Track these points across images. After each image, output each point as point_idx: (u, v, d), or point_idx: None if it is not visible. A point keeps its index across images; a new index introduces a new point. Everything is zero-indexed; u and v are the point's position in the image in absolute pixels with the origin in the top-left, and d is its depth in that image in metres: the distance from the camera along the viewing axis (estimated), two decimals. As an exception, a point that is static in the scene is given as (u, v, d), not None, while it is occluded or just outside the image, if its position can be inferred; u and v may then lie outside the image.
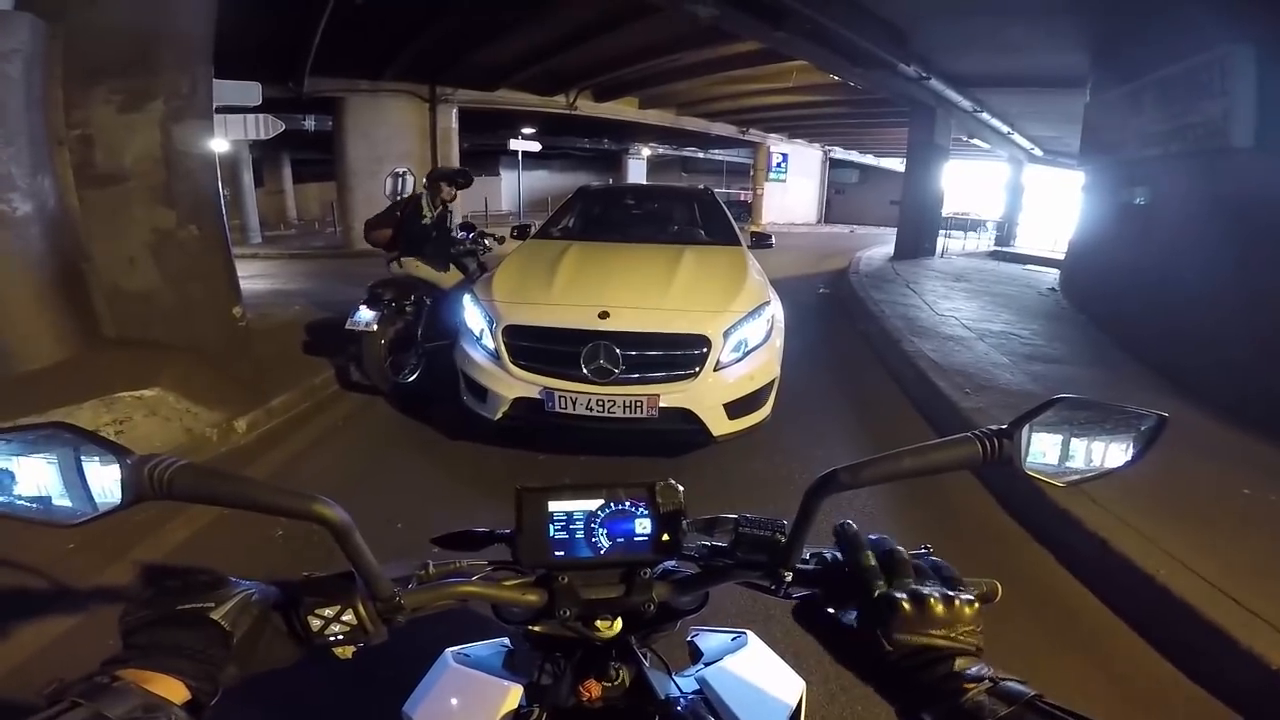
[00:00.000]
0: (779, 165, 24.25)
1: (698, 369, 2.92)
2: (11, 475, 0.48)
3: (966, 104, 10.62)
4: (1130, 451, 0.57)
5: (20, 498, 0.48)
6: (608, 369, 2.86)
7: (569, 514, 0.63)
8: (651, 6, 7.31)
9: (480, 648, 0.80)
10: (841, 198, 29.30)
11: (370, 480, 3.11)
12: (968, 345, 5.12)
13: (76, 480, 0.48)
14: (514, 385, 2.95)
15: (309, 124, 13.99)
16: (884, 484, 0.58)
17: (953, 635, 0.49)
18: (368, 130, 12.17)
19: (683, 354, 2.95)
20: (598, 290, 3.18)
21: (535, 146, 17.88)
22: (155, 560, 2.33)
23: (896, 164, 23.42)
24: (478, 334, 3.17)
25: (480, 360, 3.09)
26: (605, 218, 4.78)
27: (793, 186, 25.02)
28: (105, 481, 0.48)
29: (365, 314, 3.87)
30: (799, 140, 23.89)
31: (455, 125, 13.17)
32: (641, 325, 2.94)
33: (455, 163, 12.75)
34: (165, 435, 3.11)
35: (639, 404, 2.85)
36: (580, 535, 0.63)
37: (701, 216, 4.74)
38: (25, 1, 3.08)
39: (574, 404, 2.87)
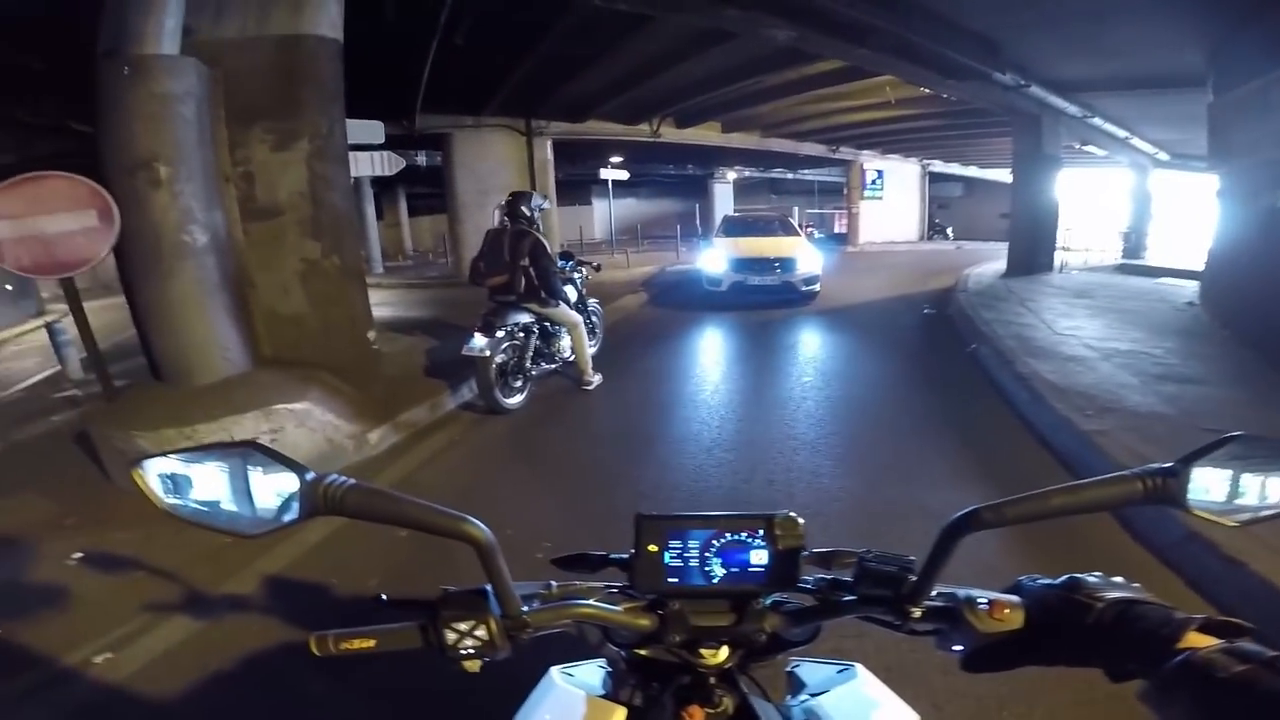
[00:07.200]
0: (874, 182, 23.40)
1: (794, 268, 9.07)
2: (205, 487, 0.53)
3: (1074, 110, 9.94)
4: None
5: (211, 508, 0.53)
6: (764, 268, 9.06)
7: (685, 542, 0.64)
8: (727, 33, 7.33)
9: (582, 667, 0.79)
10: (946, 212, 27.79)
11: (479, 487, 3.44)
12: (1090, 366, 4.74)
13: (261, 495, 0.53)
14: (732, 277, 9.03)
15: (421, 159, 15.07)
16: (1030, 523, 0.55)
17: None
18: (473, 164, 12.94)
19: (788, 262, 9.11)
20: (753, 246, 9.45)
21: (623, 175, 18.40)
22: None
23: (1004, 174, 22.09)
24: (717, 260, 9.29)
25: (720, 269, 9.13)
26: (740, 228, 10.73)
27: (890, 203, 23.99)
28: (286, 497, 0.53)
29: (478, 340, 4.13)
30: (894, 156, 22.99)
31: (550, 157, 13.72)
32: (772, 254, 9.24)
33: (553, 193, 13.27)
34: (311, 444, 3.49)
35: (775, 277, 9.04)
36: (695, 563, 0.64)
37: (782, 225, 10.93)
38: (187, 48, 3.39)
39: (752, 280, 8.99)
